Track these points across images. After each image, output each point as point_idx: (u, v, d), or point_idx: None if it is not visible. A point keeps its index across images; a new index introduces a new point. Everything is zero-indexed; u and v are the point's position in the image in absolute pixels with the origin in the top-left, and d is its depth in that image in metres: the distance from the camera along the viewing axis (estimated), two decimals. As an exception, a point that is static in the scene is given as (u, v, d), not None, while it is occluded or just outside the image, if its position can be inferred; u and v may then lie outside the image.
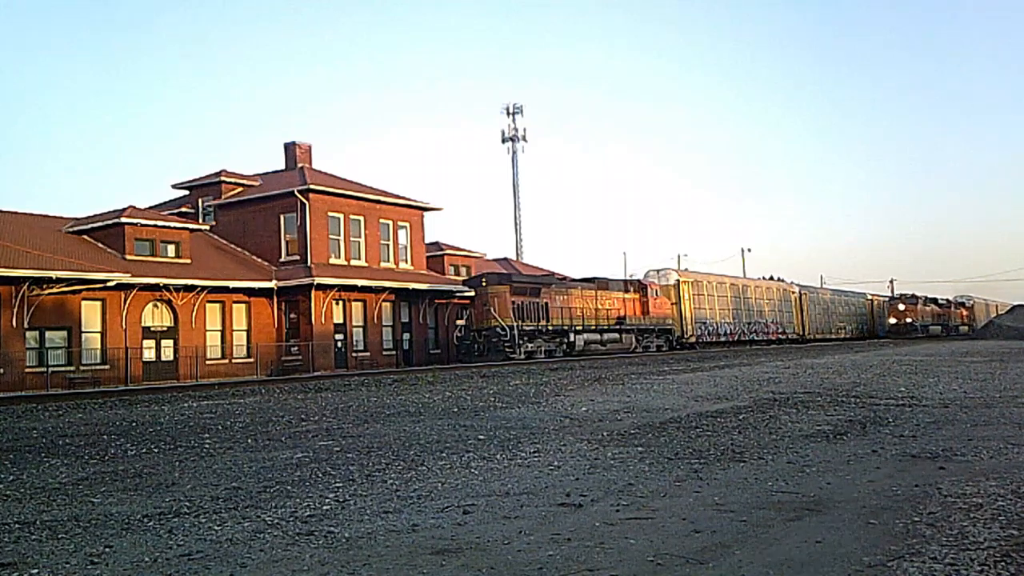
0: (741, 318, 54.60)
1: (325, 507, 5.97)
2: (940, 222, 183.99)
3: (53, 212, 37.10)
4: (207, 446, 9.22)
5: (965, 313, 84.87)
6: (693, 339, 48.36)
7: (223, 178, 40.92)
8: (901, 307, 71.34)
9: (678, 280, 48.71)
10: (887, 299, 77.73)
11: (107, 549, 4.96)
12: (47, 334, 29.52)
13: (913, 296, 72.52)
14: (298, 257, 37.63)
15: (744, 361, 26.62)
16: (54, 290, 28.64)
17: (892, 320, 70.90)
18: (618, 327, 41.71)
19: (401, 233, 42.23)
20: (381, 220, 41.08)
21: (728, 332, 52.63)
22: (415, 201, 43.22)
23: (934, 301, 77.29)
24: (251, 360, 35.44)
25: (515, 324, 34.56)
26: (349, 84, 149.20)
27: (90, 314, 30.83)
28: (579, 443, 8.84)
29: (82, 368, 29.97)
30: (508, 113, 71.98)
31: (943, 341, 58.53)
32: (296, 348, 36.20)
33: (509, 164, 71.92)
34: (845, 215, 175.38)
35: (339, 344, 37.29)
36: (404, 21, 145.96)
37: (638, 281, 46.10)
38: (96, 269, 29.01)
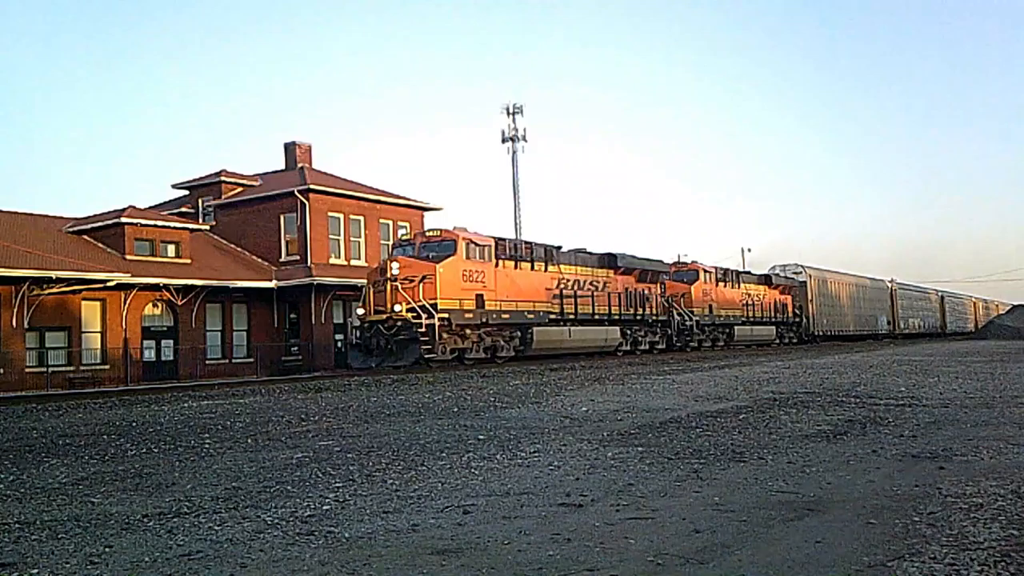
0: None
1: (325, 507, 5.97)
2: (941, 222, 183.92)
3: (53, 212, 37.19)
4: (207, 446, 9.21)
5: (777, 298, 46.89)
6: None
7: (223, 178, 40.95)
8: (399, 267, 24.17)
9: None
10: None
11: (107, 549, 4.96)
12: (47, 334, 29.55)
13: (502, 245, 28.59)
14: (298, 257, 37.64)
15: (744, 361, 26.60)
16: (54, 290, 28.65)
17: (360, 311, 24.95)
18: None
19: (401, 233, 42.21)
20: (381, 220, 41.09)
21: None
22: (415, 201, 43.23)
23: (608, 262, 32.10)
24: (251, 360, 35.44)
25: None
26: (349, 84, 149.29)
27: (90, 314, 30.86)
28: (579, 443, 8.83)
29: (82, 368, 29.99)
30: (508, 113, 71.78)
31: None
32: (296, 348, 36.21)
33: (509, 164, 71.89)
34: (845, 213, 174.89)
35: (339, 344, 37.30)
36: (404, 21, 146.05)
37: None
38: (96, 269, 29.02)
